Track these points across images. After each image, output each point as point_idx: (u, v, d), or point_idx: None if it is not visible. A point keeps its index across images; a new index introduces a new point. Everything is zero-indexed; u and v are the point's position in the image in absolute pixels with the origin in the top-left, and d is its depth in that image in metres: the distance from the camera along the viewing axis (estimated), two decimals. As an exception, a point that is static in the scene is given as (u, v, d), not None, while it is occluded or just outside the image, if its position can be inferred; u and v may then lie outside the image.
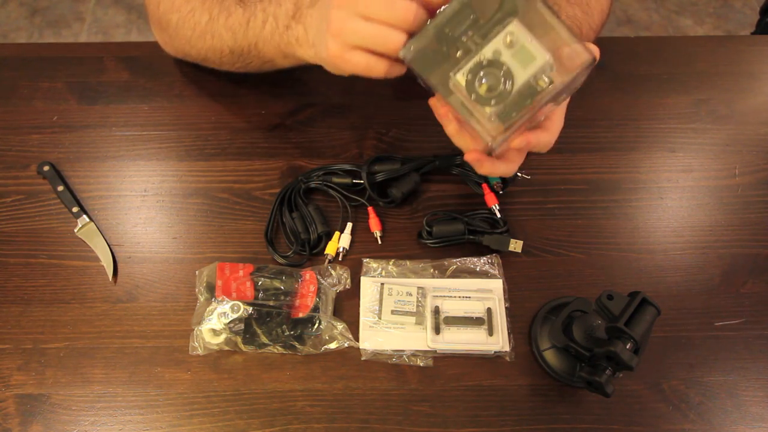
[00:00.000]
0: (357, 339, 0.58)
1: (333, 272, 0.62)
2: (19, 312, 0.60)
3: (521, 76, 0.47)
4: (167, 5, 0.68)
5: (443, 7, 0.47)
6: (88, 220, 0.64)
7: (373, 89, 0.76)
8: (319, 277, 0.61)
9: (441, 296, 0.60)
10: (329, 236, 0.64)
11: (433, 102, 0.54)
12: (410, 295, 0.60)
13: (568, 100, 0.53)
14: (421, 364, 0.58)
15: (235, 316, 0.57)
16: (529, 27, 0.47)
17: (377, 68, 0.51)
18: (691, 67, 0.80)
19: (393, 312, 0.59)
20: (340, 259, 0.63)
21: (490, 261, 0.63)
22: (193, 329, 0.58)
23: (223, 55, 0.67)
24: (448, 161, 0.68)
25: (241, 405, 0.55)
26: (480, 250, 0.64)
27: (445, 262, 0.63)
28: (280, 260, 0.62)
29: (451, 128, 0.54)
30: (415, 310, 0.59)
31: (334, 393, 0.56)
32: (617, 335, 0.49)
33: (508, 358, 0.58)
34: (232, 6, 0.64)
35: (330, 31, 0.51)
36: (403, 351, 0.58)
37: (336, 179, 0.67)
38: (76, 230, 0.64)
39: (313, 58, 0.57)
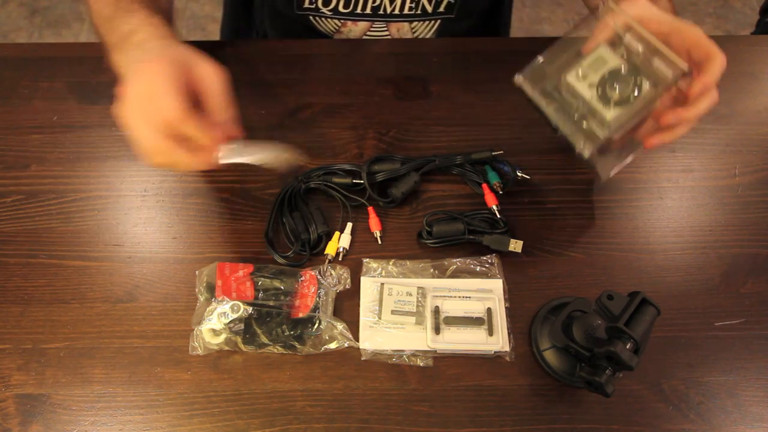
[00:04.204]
0: (357, 339, 0.58)
1: (333, 272, 0.62)
2: (19, 312, 0.60)
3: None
4: None
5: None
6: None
7: (373, 89, 0.76)
8: (319, 277, 0.61)
9: (441, 296, 0.60)
10: (329, 236, 0.64)
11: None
12: (410, 295, 0.60)
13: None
14: (421, 364, 0.58)
15: (235, 316, 0.57)
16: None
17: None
18: (691, 67, 0.80)
19: (393, 312, 0.59)
20: (340, 259, 0.63)
21: (490, 261, 0.63)
22: (193, 329, 0.58)
23: (97, 32, 0.67)
24: (448, 161, 0.68)
25: (241, 405, 0.55)
26: (480, 250, 0.64)
27: (445, 262, 0.63)
28: (280, 260, 0.62)
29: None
30: (415, 310, 0.59)
31: (334, 393, 0.56)
32: (617, 335, 0.49)
33: (508, 358, 0.58)
34: None
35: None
36: (403, 351, 0.58)
37: (336, 179, 0.67)
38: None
39: None
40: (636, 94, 0.55)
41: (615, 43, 0.56)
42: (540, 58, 0.58)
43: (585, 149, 0.57)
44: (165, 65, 0.52)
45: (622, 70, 0.55)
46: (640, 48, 0.55)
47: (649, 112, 0.56)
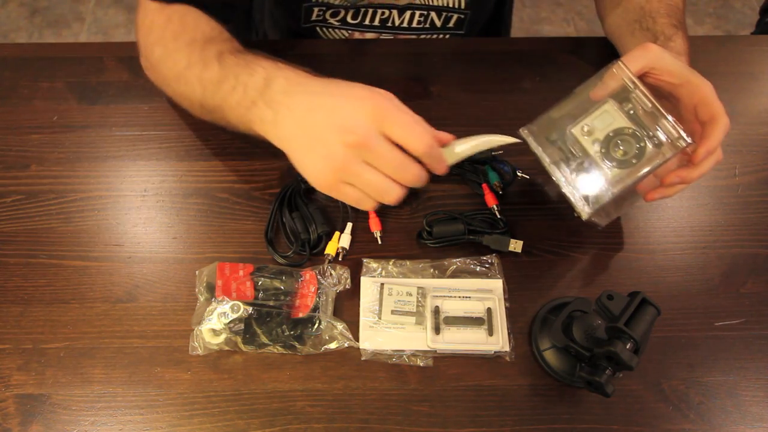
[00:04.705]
0: (357, 339, 0.58)
1: (333, 272, 0.62)
2: (19, 312, 0.60)
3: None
4: (157, 35, 0.65)
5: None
6: None
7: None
8: (319, 277, 0.61)
9: (441, 296, 0.60)
10: (329, 236, 0.64)
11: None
12: (410, 295, 0.60)
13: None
14: (421, 364, 0.58)
15: (235, 316, 0.57)
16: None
17: (366, 206, 0.54)
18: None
19: (393, 312, 0.59)
20: (340, 259, 0.63)
21: (490, 261, 0.63)
22: (193, 329, 0.58)
23: (194, 106, 0.65)
24: (448, 161, 0.68)
25: (241, 405, 0.55)
26: (480, 250, 0.64)
27: (445, 262, 0.63)
28: (280, 260, 0.62)
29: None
30: (415, 310, 0.59)
31: (334, 393, 0.56)
32: (617, 335, 0.49)
33: (508, 358, 0.58)
34: (210, 59, 0.60)
35: (332, 164, 0.52)
36: (403, 351, 0.58)
37: (336, 179, 0.67)
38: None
39: (278, 146, 0.56)
40: (639, 158, 0.55)
41: (624, 95, 0.55)
42: (548, 113, 0.58)
43: (583, 211, 0.57)
44: (378, 98, 0.51)
45: (628, 131, 0.55)
46: (648, 105, 0.55)
47: (651, 172, 0.56)
